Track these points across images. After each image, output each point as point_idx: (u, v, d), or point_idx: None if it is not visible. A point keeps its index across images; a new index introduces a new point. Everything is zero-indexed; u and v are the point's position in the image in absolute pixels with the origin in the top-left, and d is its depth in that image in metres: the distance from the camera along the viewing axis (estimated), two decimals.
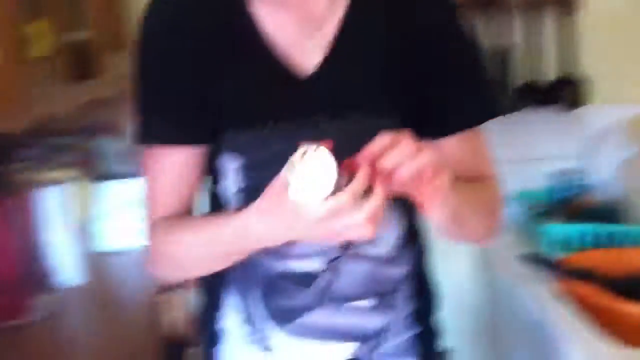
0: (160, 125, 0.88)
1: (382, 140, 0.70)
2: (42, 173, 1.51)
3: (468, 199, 0.84)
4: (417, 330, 0.95)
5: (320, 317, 0.89)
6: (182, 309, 1.57)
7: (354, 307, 0.89)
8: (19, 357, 1.20)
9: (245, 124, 0.84)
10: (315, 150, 0.67)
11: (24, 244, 1.37)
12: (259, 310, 0.90)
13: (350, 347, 0.90)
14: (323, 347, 0.90)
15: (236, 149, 0.85)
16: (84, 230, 1.58)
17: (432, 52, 0.86)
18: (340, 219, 0.68)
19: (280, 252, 0.87)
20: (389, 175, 0.70)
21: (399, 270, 0.92)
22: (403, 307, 0.93)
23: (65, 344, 1.30)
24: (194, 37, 0.84)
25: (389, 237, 0.90)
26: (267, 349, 0.90)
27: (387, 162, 0.69)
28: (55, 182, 1.48)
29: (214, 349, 0.96)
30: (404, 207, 0.89)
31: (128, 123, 1.85)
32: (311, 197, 0.67)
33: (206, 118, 0.86)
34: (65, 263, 1.48)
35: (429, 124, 0.87)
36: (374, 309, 0.90)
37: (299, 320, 0.89)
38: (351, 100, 0.85)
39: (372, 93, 0.86)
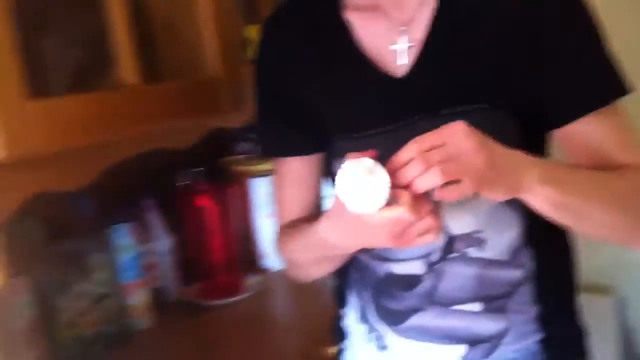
0: (273, 138, 0.93)
1: (398, 155, 0.67)
2: (255, 165, 1.66)
3: (582, 189, 0.76)
4: (542, 335, 0.88)
5: (427, 319, 0.88)
6: None
7: (462, 310, 0.87)
8: (236, 329, 1.34)
9: (348, 130, 0.85)
10: (362, 162, 0.66)
11: (240, 228, 1.52)
12: (372, 311, 0.92)
13: (461, 350, 0.88)
14: (434, 348, 0.88)
15: (342, 155, 0.84)
16: None
17: (544, 39, 0.81)
18: (401, 226, 0.68)
19: (383, 255, 0.88)
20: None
21: (513, 274, 0.86)
22: (522, 311, 0.87)
23: (274, 320, 1.42)
24: (299, 51, 0.88)
25: (500, 240, 0.85)
26: (383, 347, 0.92)
27: (402, 179, 0.67)
28: (267, 173, 1.62)
29: (341, 345, 1.01)
30: (519, 209, 0.83)
31: None
32: (368, 208, 0.66)
33: (313, 127, 0.88)
34: (271, 248, 1.62)
35: (549, 113, 0.82)
36: (482, 313, 0.87)
37: (407, 322, 0.88)
38: (448, 99, 0.82)
39: (471, 89, 0.82)
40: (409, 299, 0.87)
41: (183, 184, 1.53)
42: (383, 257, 0.88)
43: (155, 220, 1.43)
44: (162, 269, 1.44)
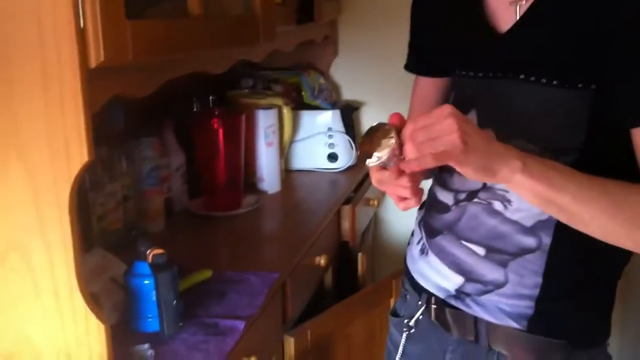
0: (413, 59, 1.16)
1: (417, 120, 0.79)
2: (259, 98, 1.84)
3: (576, 191, 0.81)
4: (533, 309, 0.93)
5: (445, 242, 0.99)
6: (351, 221, 1.83)
7: (469, 248, 0.96)
8: (232, 237, 1.54)
9: (455, 68, 1.03)
10: (384, 126, 0.82)
11: (243, 153, 1.70)
12: (423, 221, 1.08)
13: (459, 280, 0.97)
14: (443, 269, 1.00)
15: (452, 88, 1.07)
16: (284, 150, 1.90)
17: (619, 42, 0.82)
18: (387, 187, 0.86)
19: (441, 180, 1.03)
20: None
21: (524, 240, 0.91)
22: (522, 275, 0.92)
23: (264, 233, 1.64)
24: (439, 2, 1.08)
25: (524, 206, 0.90)
26: (422, 251, 1.06)
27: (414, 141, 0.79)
28: (268, 107, 1.80)
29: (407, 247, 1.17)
30: None
31: (328, 64, 2.15)
32: (371, 163, 0.82)
33: (441, 60, 1.08)
34: (267, 173, 1.81)
35: (616, 114, 0.85)
36: (485, 258, 0.95)
37: (435, 239, 1.01)
38: (535, 64, 0.88)
39: (557, 61, 0.87)
40: (439, 221, 1.01)
41: (197, 109, 1.71)
42: (440, 181, 1.04)
43: (171, 138, 1.61)
44: (174, 182, 1.63)
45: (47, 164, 0.86)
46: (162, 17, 0.96)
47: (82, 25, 0.81)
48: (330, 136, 1.97)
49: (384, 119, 0.85)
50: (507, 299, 0.94)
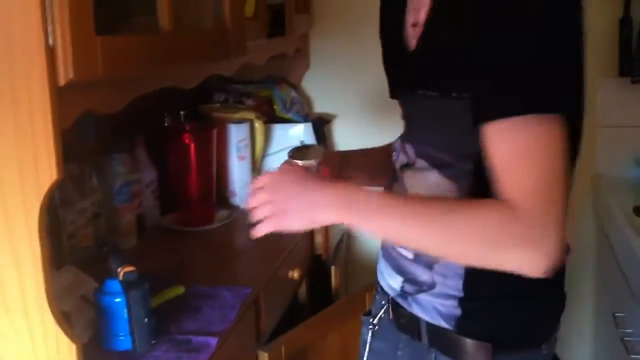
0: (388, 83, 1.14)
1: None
2: (231, 112, 1.84)
3: (401, 221, 0.86)
4: (458, 309, 0.96)
5: (388, 247, 1.06)
6: (324, 235, 1.84)
7: (400, 252, 1.02)
8: (205, 252, 1.54)
9: (396, 87, 1.09)
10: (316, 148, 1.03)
11: (216, 167, 1.70)
12: None
13: (400, 281, 1.03)
14: (390, 270, 1.05)
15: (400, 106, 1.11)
16: (257, 163, 1.90)
17: (484, 41, 0.83)
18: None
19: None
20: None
21: None
22: (447, 276, 0.96)
23: (237, 247, 1.63)
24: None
25: None
26: (381, 255, 1.11)
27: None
28: (240, 120, 1.80)
29: None
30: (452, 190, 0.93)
31: (300, 77, 2.16)
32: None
33: (389, 80, 1.11)
34: (239, 187, 1.81)
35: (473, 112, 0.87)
36: (413, 261, 1.00)
37: (384, 243, 1.09)
38: (426, 80, 0.93)
39: (438, 75, 0.91)
40: None
41: (168, 124, 1.70)
42: None
43: (143, 153, 1.60)
44: (146, 197, 1.62)
45: (16, 182, 0.85)
46: (132, 33, 0.96)
47: (51, 42, 0.80)
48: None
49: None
50: (438, 299, 0.98)
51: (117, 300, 1.05)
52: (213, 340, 1.11)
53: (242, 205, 1.80)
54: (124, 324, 1.05)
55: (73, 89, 0.85)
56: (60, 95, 0.83)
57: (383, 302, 1.10)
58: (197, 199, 1.67)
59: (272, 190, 0.93)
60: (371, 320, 1.14)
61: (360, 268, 2.28)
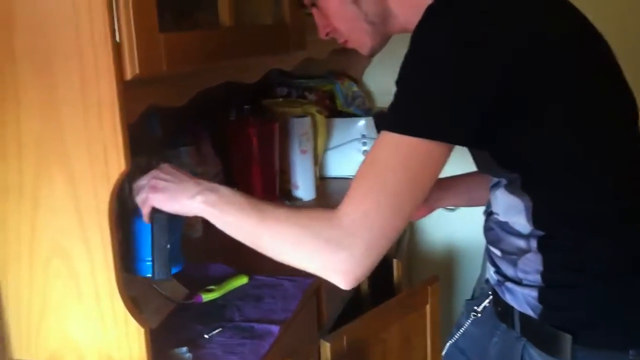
0: None
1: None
2: (293, 106, 1.86)
3: (241, 218, 0.94)
4: (540, 307, 0.99)
5: (487, 244, 1.11)
6: None
7: (492, 250, 1.08)
8: None
9: None
10: None
11: (278, 161, 1.73)
12: None
13: (493, 271, 1.09)
14: (489, 264, 1.12)
15: None
16: (319, 157, 1.92)
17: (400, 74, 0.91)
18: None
19: None
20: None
21: (518, 242, 1.00)
22: (528, 272, 1.00)
23: None
24: None
25: (507, 217, 1.01)
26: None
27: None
28: (302, 114, 1.83)
29: None
30: (525, 201, 0.97)
31: (361, 70, 2.16)
32: None
33: None
34: (301, 180, 1.84)
35: None
36: (501, 258, 1.05)
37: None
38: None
39: None
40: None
41: (233, 118, 1.74)
42: None
43: (208, 146, 1.65)
44: None
45: (87, 172, 0.89)
46: (194, 29, 0.99)
47: (117, 39, 0.84)
48: (364, 143, 1.98)
49: None
50: (524, 289, 1.01)
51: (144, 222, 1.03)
52: (275, 328, 1.13)
53: (305, 198, 1.83)
54: (148, 248, 1.04)
55: (138, 83, 0.89)
56: (127, 90, 0.87)
57: (489, 292, 1.15)
58: (260, 191, 1.70)
59: (151, 176, 1.02)
60: (475, 307, 1.19)
61: (422, 261, 2.27)
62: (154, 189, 0.99)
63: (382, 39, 1.09)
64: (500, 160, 0.96)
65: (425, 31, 0.88)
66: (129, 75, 0.86)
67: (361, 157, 1.98)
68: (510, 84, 0.86)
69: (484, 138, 0.90)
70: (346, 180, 2.00)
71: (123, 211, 1.03)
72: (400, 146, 0.86)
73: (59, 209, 0.91)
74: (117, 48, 0.85)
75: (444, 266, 2.31)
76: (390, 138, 0.87)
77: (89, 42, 0.84)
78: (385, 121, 0.89)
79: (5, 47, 0.86)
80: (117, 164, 0.88)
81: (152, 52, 0.89)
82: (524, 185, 0.97)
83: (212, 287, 1.24)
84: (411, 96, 0.88)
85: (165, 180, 1.00)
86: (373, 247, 0.86)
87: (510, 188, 0.99)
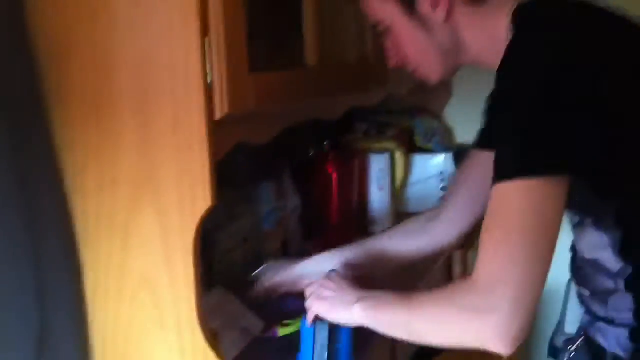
0: None
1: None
2: (372, 142, 1.87)
3: (395, 321, 0.96)
4: (630, 346, 0.98)
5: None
6: (464, 267, 1.80)
7: (581, 290, 1.07)
8: None
9: None
10: None
11: (357, 196, 1.74)
12: None
13: (584, 312, 1.08)
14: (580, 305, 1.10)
15: None
16: (397, 192, 1.92)
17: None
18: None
19: None
20: None
21: (608, 282, 0.98)
22: (620, 310, 0.98)
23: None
24: None
25: (604, 251, 0.98)
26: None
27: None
28: (381, 150, 1.83)
29: None
30: (611, 239, 0.95)
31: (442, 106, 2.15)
32: None
33: None
34: (379, 216, 1.83)
35: None
36: (590, 297, 1.04)
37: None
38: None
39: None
40: None
41: (312, 153, 1.76)
42: None
43: (288, 181, 1.67)
44: (290, 223, 1.68)
45: (176, 206, 0.92)
46: (281, 69, 1.02)
47: (209, 79, 0.88)
48: (442, 180, 1.96)
49: None
50: (616, 329, 1.00)
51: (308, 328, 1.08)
52: None
53: None
54: (309, 353, 1.08)
55: (227, 122, 0.92)
56: (216, 128, 0.90)
57: (582, 333, 1.12)
58: (338, 226, 1.71)
59: (318, 284, 1.09)
60: (569, 347, 1.15)
61: None
62: (318, 297, 1.06)
63: (452, 70, 1.08)
64: (602, 190, 0.92)
65: (517, 66, 0.88)
66: (218, 115, 0.89)
67: (440, 193, 1.96)
68: (609, 105, 0.86)
69: (593, 166, 0.87)
70: None
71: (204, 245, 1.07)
72: (525, 191, 0.83)
73: (148, 242, 0.94)
74: (209, 88, 0.88)
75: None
76: (512, 186, 0.83)
77: (182, 82, 0.88)
78: (501, 170, 0.85)
79: (106, 87, 0.91)
80: (203, 200, 0.91)
81: (241, 91, 0.91)
82: (619, 217, 0.93)
83: (288, 321, 1.24)
84: (519, 137, 0.85)
85: (329, 289, 1.06)
86: (520, 301, 0.81)
87: (600, 224, 0.96)
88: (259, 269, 1.28)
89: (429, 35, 1.02)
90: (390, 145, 1.87)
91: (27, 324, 0.92)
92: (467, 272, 1.78)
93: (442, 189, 1.96)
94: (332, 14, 1.20)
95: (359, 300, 1.00)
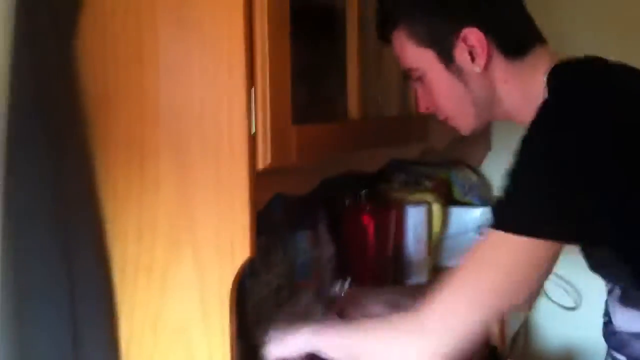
0: None
1: None
2: (410, 193, 1.86)
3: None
4: None
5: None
6: (500, 323, 1.75)
7: (618, 356, 1.03)
8: None
9: None
10: None
11: (392, 245, 1.72)
12: None
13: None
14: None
15: None
16: (433, 244, 1.89)
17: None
18: None
19: None
20: None
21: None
22: None
23: None
24: None
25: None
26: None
27: None
28: (418, 202, 1.81)
29: None
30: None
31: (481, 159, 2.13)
32: None
33: None
34: (416, 268, 1.80)
35: None
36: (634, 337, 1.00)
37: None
38: None
39: None
40: None
41: (349, 203, 1.75)
42: None
43: (324, 230, 1.66)
44: (324, 273, 1.66)
45: (214, 256, 0.92)
46: (324, 121, 1.02)
47: (253, 130, 0.88)
48: (480, 233, 1.93)
49: None
50: None
51: None
52: None
53: (414, 282, 1.78)
54: None
55: (268, 173, 0.91)
56: (257, 180, 0.89)
57: None
58: (373, 277, 1.68)
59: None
60: None
61: None
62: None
63: (484, 122, 1.08)
64: (624, 255, 0.91)
65: (544, 129, 0.89)
66: (260, 165, 0.89)
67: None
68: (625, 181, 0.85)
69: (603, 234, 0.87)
70: None
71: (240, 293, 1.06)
72: (514, 245, 0.85)
73: (185, 291, 0.93)
74: (252, 139, 0.88)
75: None
76: (503, 237, 0.86)
77: (226, 133, 0.88)
78: (498, 218, 0.88)
79: (149, 134, 0.92)
80: (242, 251, 0.90)
81: (284, 143, 0.91)
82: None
83: None
84: (526, 194, 0.87)
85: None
86: (450, 345, 0.88)
87: (626, 299, 0.96)
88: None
89: (464, 86, 1.01)
90: (427, 196, 1.85)
91: None
92: (504, 329, 1.73)
93: None
94: (376, 67, 1.21)
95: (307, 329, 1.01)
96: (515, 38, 1.01)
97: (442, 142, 1.61)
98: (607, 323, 1.05)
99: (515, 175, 0.88)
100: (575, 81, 0.93)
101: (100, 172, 0.96)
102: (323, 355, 0.99)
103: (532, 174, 0.87)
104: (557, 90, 0.93)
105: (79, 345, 0.93)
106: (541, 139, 0.88)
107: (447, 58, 1.00)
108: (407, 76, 1.08)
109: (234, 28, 0.85)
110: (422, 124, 1.30)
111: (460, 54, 0.99)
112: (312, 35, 1.07)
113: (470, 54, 0.99)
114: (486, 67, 0.99)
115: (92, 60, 0.94)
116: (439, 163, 2.06)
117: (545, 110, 0.90)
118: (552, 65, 0.97)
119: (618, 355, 1.02)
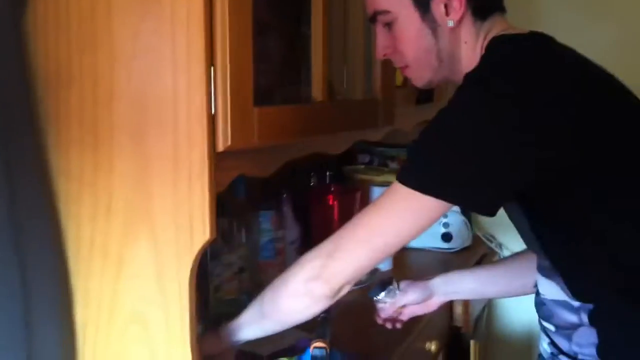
0: None
1: None
2: (375, 175, 1.85)
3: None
4: None
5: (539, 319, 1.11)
6: (464, 306, 1.77)
7: (546, 325, 1.07)
8: (340, 315, 1.52)
9: None
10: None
11: None
12: None
13: (547, 343, 1.08)
14: (544, 336, 1.10)
15: None
16: None
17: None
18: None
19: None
20: None
21: (573, 318, 1.01)
22: (582, 345, 1.00)
23: (370, 306, 1.60)
24: None
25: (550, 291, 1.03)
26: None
27: None
28: (383, 184, 1.81)
29: None
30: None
31: None
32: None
33: None
34: None
35: None
36: (555, 332, 1.05)
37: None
38: None
39: None
40: None
41: (314, 184, 1.74)
42: None
43: (288, 211, 1.65)
44: (288, 255, 1.65)
45: (172, 239, 0.90)
46: (287, 103, 1.00)
47: (213, 111, 0.86)
48: (445, 215, 1.93)
49: None
50: None
51: None
52: None
53: (382, 269, 1.78)
54: None
55: (229, 154, 0.89)
56: (217, 161, 0.87)
57: None
58: None
59: None
60: None
61: (501, 343, 2.16)
62: None
63: (440, 79, 1.07)
64: (536, 222, 0.97)
65: (457, 99, 0.92)
66: (221, 147, 0.87)
67: (441, 229, 1.94)
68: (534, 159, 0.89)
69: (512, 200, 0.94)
70: (425, 251, 1.95)
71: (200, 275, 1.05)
72: (412, 200, 0.91)
73: (141, 274, 0.91)
74: (212, 120, 0.86)
75: (524, 349, 2.19)
76: (404, 190, 0.92)
77: (184, 114, 0.86)
78: (404, 174, 0.93)
79: (104, 115, 0.89)
80: (202, 233, 0.88)
81: (245, 125, 0.89)
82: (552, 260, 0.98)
83: (284, 358, 1.21)
84: (428, 155, 0.92)
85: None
86: (343, 276, 0.99)
87: (539, 268, 1.02)
88: (384, 291, 1.31)
89: (433, 38, 1.01)
90: (393, 177, 1.84)
91: (14, 357, 0.88)
92: (469, 311, 1.75)
93: (444, 225, 1.94)
94: (340, 50, 1.19)
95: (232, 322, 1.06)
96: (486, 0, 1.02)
97: (407, 125, 1.61)
98: (537, 293, 1.08)
99: (424, 136, 0.92)
100: (501, 55, 0.95)
101: (53, 151, 0.93)
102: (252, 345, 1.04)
103: (435, 136, 0.91)
104: (483, 62, 0.96)
105: (32, 330, 0.90)
106: (451, 108, 0.91)
107: (423, 7, 1.00)
108: (373, 20, 1.05)
109: (193, 3, 0.82)
110: (389, 107, 1.29)
111: (437, 6, 0.99)
112: (277, 17, 1.05)
113: (446, 7, 0.99)
114: (458, 23, 0.99)
115: (44, 37, 0.91)
116: (405, 145, 2.05)
117: (467, 79, 0.93)
118: (495, 35, 0.99)
119: (548, 325, 1.05)
